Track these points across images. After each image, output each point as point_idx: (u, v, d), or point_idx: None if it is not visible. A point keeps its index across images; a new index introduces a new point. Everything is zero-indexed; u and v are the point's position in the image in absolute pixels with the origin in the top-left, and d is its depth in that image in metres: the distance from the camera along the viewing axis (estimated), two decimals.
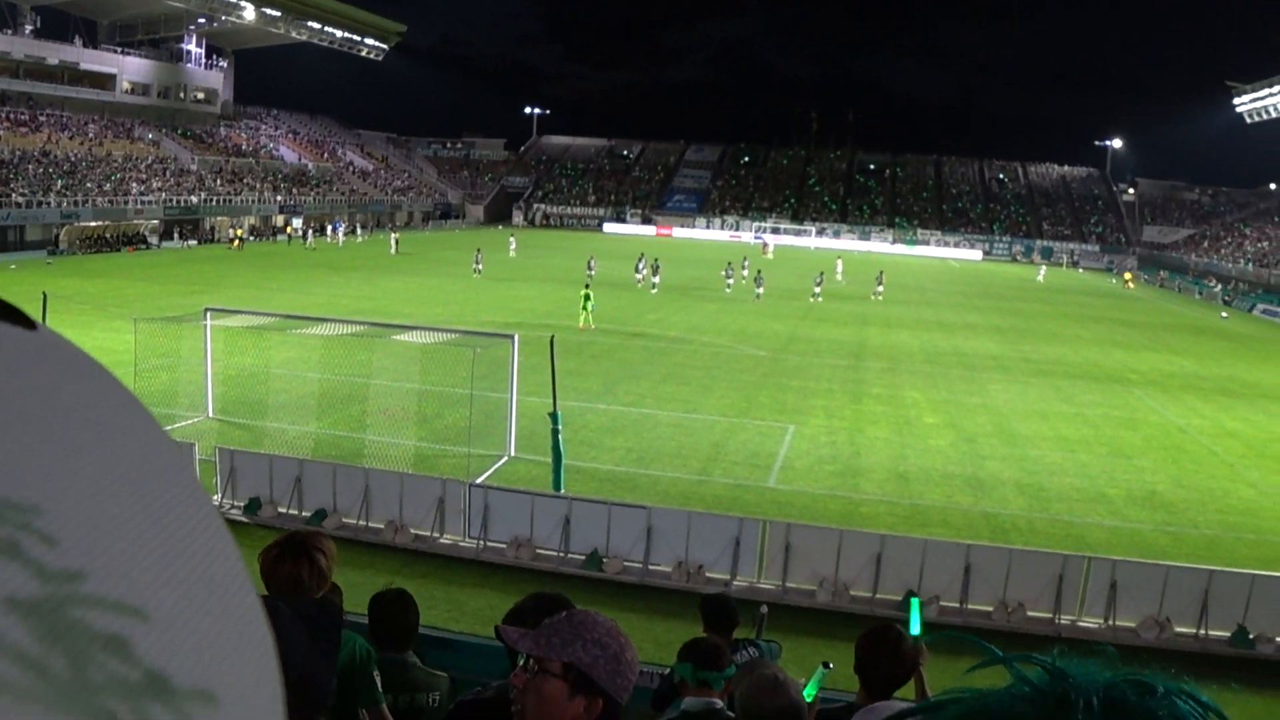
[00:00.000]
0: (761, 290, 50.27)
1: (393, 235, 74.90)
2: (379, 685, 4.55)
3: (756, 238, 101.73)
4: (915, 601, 5.08)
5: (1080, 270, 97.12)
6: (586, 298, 37.04)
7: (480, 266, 55.78)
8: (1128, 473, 21.86)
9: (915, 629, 4.67)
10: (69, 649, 0.41)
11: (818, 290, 52.88)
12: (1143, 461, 22.95)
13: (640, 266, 56.53)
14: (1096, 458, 22.98)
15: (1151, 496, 20.22)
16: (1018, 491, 19.96)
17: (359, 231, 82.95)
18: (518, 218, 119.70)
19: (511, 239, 74.68)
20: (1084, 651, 0.94)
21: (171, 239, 73.45)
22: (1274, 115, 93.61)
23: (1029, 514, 18.56)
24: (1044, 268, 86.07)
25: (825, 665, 4.74)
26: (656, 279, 52.37)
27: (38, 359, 0.52)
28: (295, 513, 16.10)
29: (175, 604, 0.46)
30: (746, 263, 60.83)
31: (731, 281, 54.90)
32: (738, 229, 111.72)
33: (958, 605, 13.81)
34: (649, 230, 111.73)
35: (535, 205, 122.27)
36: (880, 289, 54.48)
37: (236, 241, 71.04)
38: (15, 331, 0.51)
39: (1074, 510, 18.99)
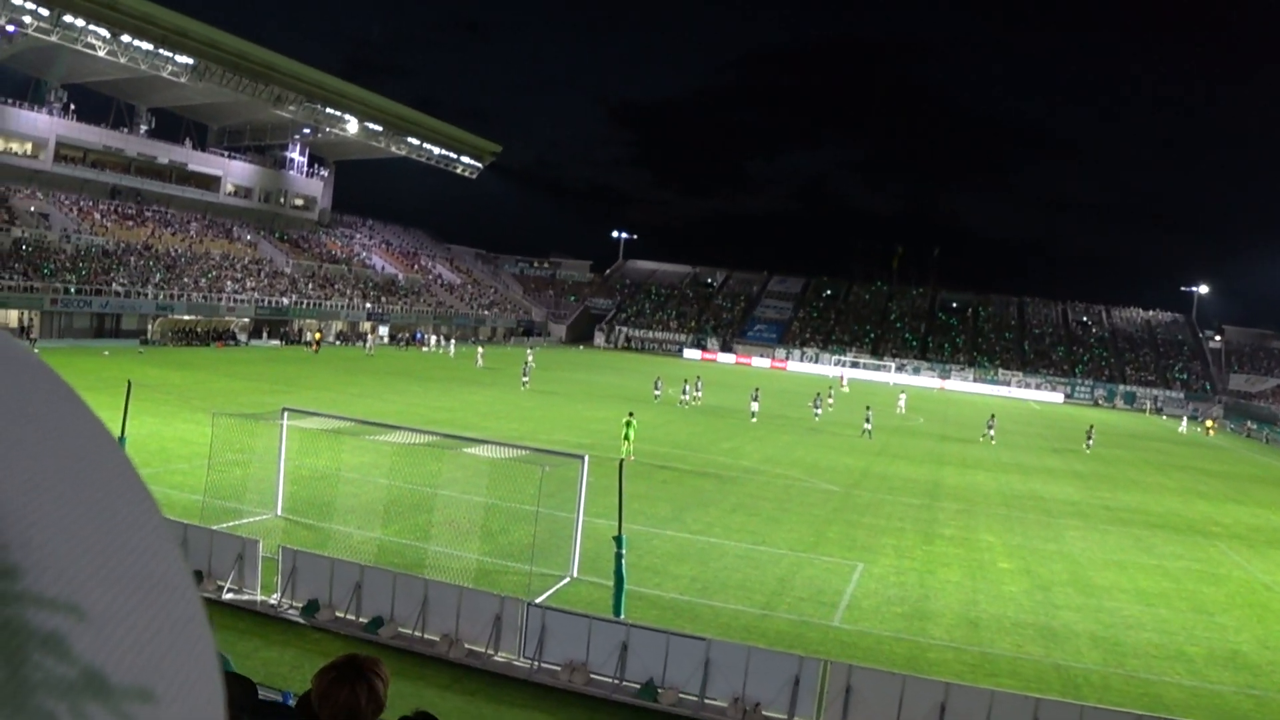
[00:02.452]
0: (870, 426, 50.06)
1: (478, 349, 76.34)
2: None
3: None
4: None
5: (1163, 417, 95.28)
6: (629, 424, 34.47)
7: (528, 379, 56.98)
8: (1209, 630, 21.03)
9: None
10: (3, 648, 0.40)
11: (990, 433, 53.53)
12: (1225, 619, 22.07)
13: (686, 389, 57.64)
14: (1176, 613, 22.16)
15: (1234, 657, 19.38)
16: (1092, 644, 19.26)
17: (452, 344, 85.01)
18: (600, 339, 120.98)
19: (529, 352, 75.79)
20: None
21: (260, 337, 75.28)
22: None
23: (1103, 669, 17.86)
24: (1186, 420, 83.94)
25: None
26: (755, 406, 52.52)
27: None
28: (352, 618, 16.03)
29: (114, 601, 0.45)
30: (832, 394, 61.03)
31: (819, 412, 54.83)
32: (817, 361, 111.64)
33: None
34: (728, 358, 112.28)
35: (618, 327, 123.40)
36: (991, 431, 54.23)
37: (314, 345, 72.73)
38: None
39: (1151, 667, 18.24)
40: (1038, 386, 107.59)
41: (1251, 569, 27.78)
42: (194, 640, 0.48)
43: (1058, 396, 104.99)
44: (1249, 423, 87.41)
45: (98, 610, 0.44)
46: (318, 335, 75.58)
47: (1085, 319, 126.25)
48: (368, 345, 78.17)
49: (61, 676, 0.41)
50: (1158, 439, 70.63)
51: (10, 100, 75.55)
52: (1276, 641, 20.70)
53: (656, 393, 57.97)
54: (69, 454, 0.50)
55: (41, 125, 76.68)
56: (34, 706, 0.39)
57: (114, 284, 67.24)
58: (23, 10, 64.07)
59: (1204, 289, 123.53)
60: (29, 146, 76.49)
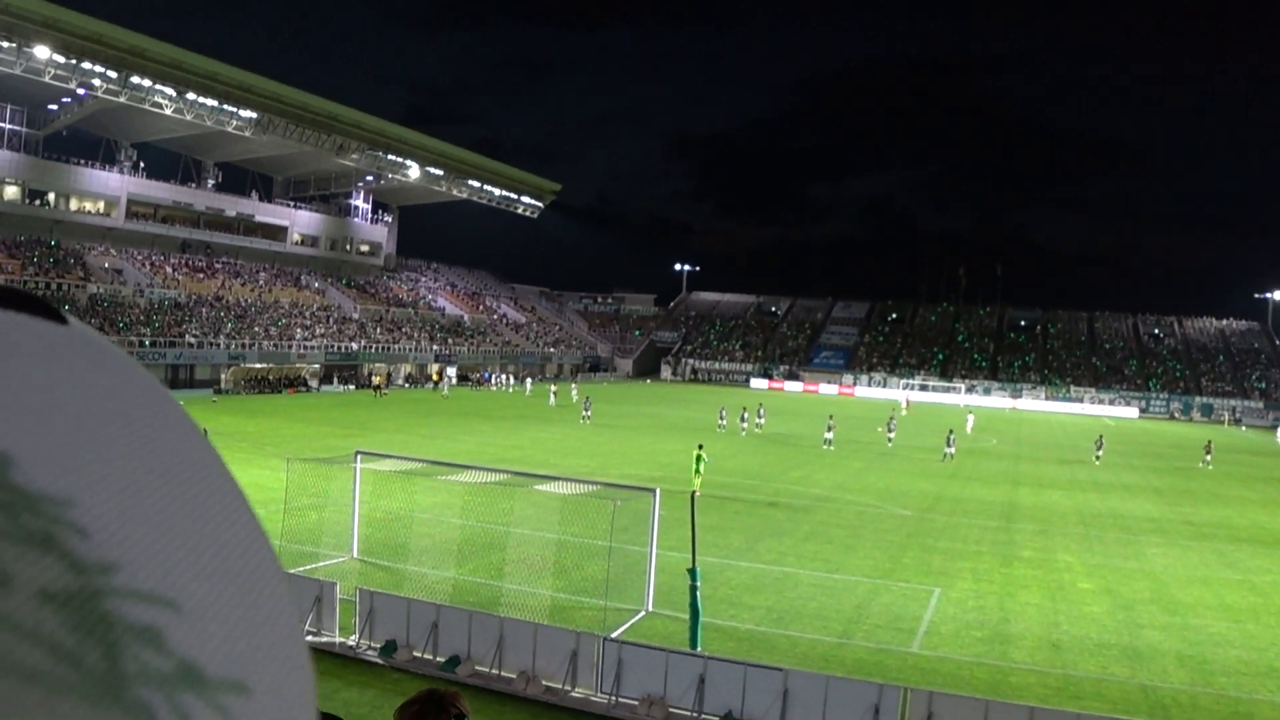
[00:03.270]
0: (953, 450, 49.68)
1: (550, 387, 76.81)
2: None
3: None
4: None
5: (1243, 428, 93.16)
6: (699, 459, 34.26)
7: (589, 414, 57.22)
8: None
9: None
10: (102, 640, 0.42)
11: (1100, 453, 53.01)
12: None
13: (745, 416, 58.02)
14: (1266, 629, 21.62)
15: None
16: (1178, 663, 18.86)
17: (528, 382, 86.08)
18: (666, 372, 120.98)
19: (573, 386, 77.35)
20: None
21: (331, 383, 76.28)
22: None
23: (1191, 688, 17.48)
24: None
25: None
26: (830, 435, 52.21)
27: (70, 353, 0.52)
28: (430, 657, 16.16)
29: (208, 595, 0.47)
30: (894, 418, 60.73)
31: (893, 436, 54.45)
32: (885, 385, 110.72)
33: None
34: (795, 386, 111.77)
35: (684, 360, 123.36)
36: (1100, 452, 53.51)
37: (378, 389, 73.02)
38: (47, 326, 0.52)
39: (1241, 685, 17.81)
40: (1111, 402, 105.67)
41: None
42: (286, 634, 0.49)
43: (1132, 411, 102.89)
44: None
45: (192, 604, 0.45)
46: (379, 380, 75.97)
47: (1157, 331, 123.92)
48: (443, 387, 78.69)
49: (158, 669, 0.42)
50: (1242, 451, 68.91)
51: (83, 161, 77.74)
52: None
53: (721, 423, 58.23)
54: (162, 450, 0.52)
55: (113, 184, 78.85)
56: (131, 698, 0.40)
57: (187, 335, 68.70)
58: (92, 74, 65.94)
59: (1279, 295, 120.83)
60: (102, 205, 78.66)
